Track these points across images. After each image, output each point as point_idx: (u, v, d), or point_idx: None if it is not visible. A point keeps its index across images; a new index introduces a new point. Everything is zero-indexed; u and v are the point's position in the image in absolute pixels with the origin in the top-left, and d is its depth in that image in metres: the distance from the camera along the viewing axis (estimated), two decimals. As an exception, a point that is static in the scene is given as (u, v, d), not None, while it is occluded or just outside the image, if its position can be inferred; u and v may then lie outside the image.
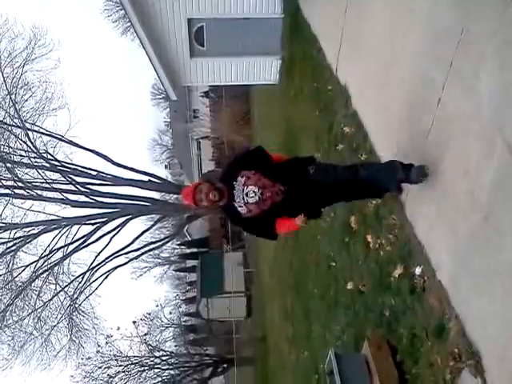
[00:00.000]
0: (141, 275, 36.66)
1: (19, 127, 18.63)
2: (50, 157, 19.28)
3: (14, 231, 19.07)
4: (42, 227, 19.21)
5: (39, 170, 19.07)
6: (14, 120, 18.68)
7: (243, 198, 4.37)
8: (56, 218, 19.28)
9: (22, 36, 18.97)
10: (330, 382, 5.27)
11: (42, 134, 19.50)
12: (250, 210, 4.41)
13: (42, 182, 19.10)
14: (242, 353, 26.98)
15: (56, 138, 19.60)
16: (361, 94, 7.33)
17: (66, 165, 19.61)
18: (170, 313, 34.52)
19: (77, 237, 19.28)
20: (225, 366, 30.18)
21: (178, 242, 38.07)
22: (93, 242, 19.57)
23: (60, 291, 19.58)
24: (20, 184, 18.38)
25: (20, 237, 19.10)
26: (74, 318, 20.56)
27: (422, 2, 5.25)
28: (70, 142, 19.57)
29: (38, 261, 19.25)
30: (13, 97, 18.36)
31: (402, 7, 5.77)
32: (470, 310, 3.87)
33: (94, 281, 20.08)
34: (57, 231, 19.11)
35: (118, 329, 24.90)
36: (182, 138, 36.28)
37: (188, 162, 37.88)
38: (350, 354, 5.96)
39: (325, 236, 8.70)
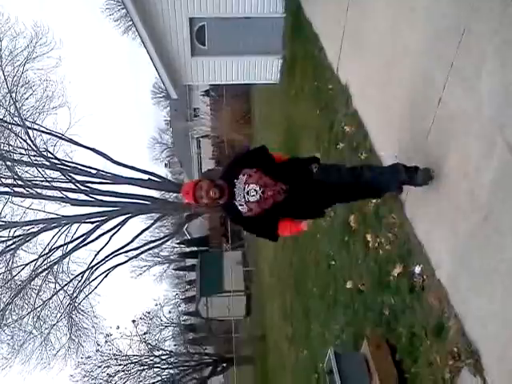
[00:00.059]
0: (140, 274, 36.71)
1: (19, 125, 18.65)
2: (49, 155, 19.31)
3: (14, 229, 19.08)
4: (41, 226, 19.22)
5: (39, 169, 19.09)
6: (15, 118, 18.71)
7: (244, 197, 4.28)
8: (56, 216, 19.30)
9: (23, 34, 19.02)
10: (330, 381, 5.27)
11: (42, 132, 19.53)
12: (250, 209, 4.31)
13: (42, 181, 19.12)
14: (242, 352, 26.96)
15: (56, 136, 19.63)
16: (362, 93, 7.33)
17: (66, 163, 19.64)
18: (170, 312, 34.52)
19: (76, 235, 19.32)
20: (224, 365, 30.16)
21: (178, 241, 38.06)
22: (92, 241, 19.60)
23: (59, 290, 19.59)
24: (20, 182, 18.39)
25: (19, 235, 19.11)
26: (73, 316, 20.58)
27: (423, 1, 5.25)
28: (70, 141, 19.60)
29: (37, 259, 19.27)
30: (13, 95, 18.39)
31: (404, 6, 5.77)
32: (469, 309, 3.87)
33: (93, 279, 20.13)
34: (56, 230, 19.13)
35: (118, 328, 24.89)
36: (182, 136, 36.28)
37: (188, 161, 37.89)
38: (349, 353, 5.96)
39: (324, 235, 8.71)
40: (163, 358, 27.80)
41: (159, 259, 40.12)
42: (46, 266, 19.23)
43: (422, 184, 4.39)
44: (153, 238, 24.89)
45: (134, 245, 21.07)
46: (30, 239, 19.37)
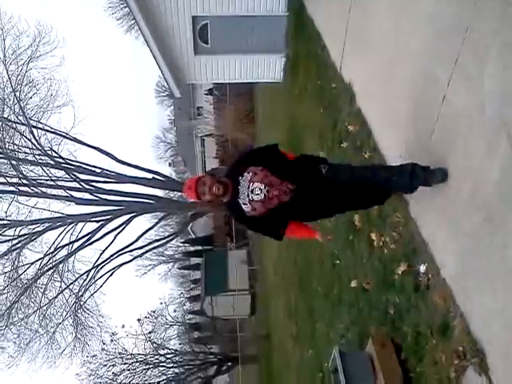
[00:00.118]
0: (145, 273, 36.79)
1: (24, 124, 18.68)
2: (54, 154, 19.32)
3: (19, 229, 19.11)
4: (46, 225, 19.24)
5: (44, 168, 19.11)
6: (19, 117, 18.72)
7: (248, 195, 4.13)
8: (61, 215, 19.31)
9: (26, 33, 18.98)
10: (335, 380, 5.27)
11: (47, 131, 19.54)
12: (254, 208, 4.16)
13: (47, 180, 19.14)
14: (247, 351, 26.99)
15: (60, 135, 19.64)
16: (365, 92, 7.33)
17: (71, 162, 19.64)
18: (175, 311, 34.52)
19: (81, 234, 19.31)
20: (229, 364, 30.18)
21: (182, 240, 38.06)
22: (97, 240, 19.60)
23: (65, 289, 19.61)
24: (25, 181, 18.42)
25: (25, 234, 19.14)
26: (79, 315, 20.58)
27: (426, 1, 5.24)
28: (75, 140, 19.61)
29: (42, 258, 19.29)
30: (17, 94, 18.40)
31: (406, 5, 5.77)
32: (474, 308, 3.87)
33: (98, 278, 20.12)
34: (61, 228, 19.14)
35: (123, 327, 24.91)
36: (186, 135, 36.32)
37: (192, 160, 37.92)
38: (354, 352, 5.96)
39: (329, 234, 8.70)
40: (168, 356, 27.84)
41: (164, 258, 40.21)
42: (51, 265, 19.24)
43: (437, 182, 4.25)
44: (157, 237, 24.85)
45: (139, 244, 21.05)
46: (35, 238, 19.39)
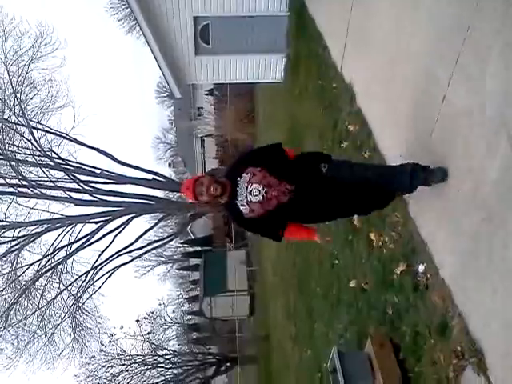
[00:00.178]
0: (144, 274, 36.74)
1: (24, 125, 18.71)
2: (54, 155, 19.36)
3: (18, 230, 19.13)
4: (45, 226, 19.26)
5: (43, 169, 19.15)
6: (19, 118, 18.76)
7: (246, 197, 4.08)
8: (60, 216, 19.34)
9: (27, 34, 19.04)
10: (333, 380, 5.26)
11: (47, 132, 19.58)
12: (252, 210, 4.11)
13: (46, 181, 19.17)
14: (245, 351, 26.96)
15: (60, 136, 19.68)
16: (366, 92, 7.33)
17: (70, 163, 19.67)
18: (173, 311, 34.51)
19: (80, 235, 19.34)
20: (228, 364, 30.14)
21: (182, 241, 38.06)
22: (96, 241, 19.62)
23: (63, 290, 19.61)
24: (24, 182, 18.44)
25: (24, 235, 19.15)
26: (77, 316, 20.57)
27: (427, 0, 5.24)
28: (75, 141, 19.64)
29: (41, 259, 19.30)
30: (18, 95, 18.43)
31: (408, 5, 5.77)
32: (473, 308, 3.86)
33: (97, 279, 20.13)
34: (60, 230, 19.16)
35: (122, 327, 24.84)
36: (186, 136, 36.34)
37: (192, 160, 37.94)
38: (352, 352, 5.96)
39: (328, 235, 8.69)
40: (167, 357, 27.79)
41: (163, 259, 40.16)
42: (50, 266, 19.25)
43: (437, 182, 4.23)
44: (156, 238, 24.89)
45: (138, 245, 21.09)
46: (34, 239, 19.40)
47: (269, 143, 4.43)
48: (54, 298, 19.59)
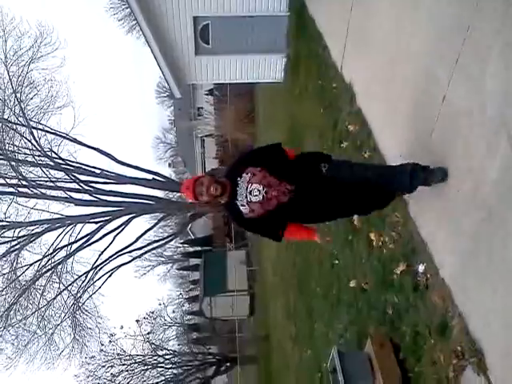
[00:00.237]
0: (144, 274, 36.74)
1: (24, 125, 18.71)
2: (54, 155, 19.37)
3: (18, 230, 19.14)
4: (45, 226, 19.27)
5: (43, 169, 19.15)
6: (19, 118, 18.76)
7: (246, 197, 4.07)
8: (60, 216, 19.34)
9: (27, 34, 19.05)
10: (333, 380, 5.26)
11: (47, 132, 19.59)
12: (252, 210, 4.10)
13: (46, 181, 19.17)
14: (245, 351, 26.96)
15: (60, 136, 19.68)
16: (366, 92, 7.33)
17: (70, 163, 19.68)
18: (173, 311, 34.51)
19: (80, 235, 19.34)
20: (228, 364, 30.15)
21: (182, 241, 38.07)
22: (96, 241, 19.63)
23: (63, 290, 19.62)
24: (24, 182, 18.44)
25: (24, 235, 19.16)
26: (77, 316, 20.58)
27: (427, 0, 5.24)
28: (75, 141, 19.65)
29: (41, 259, 19.31)
30: (18, 95, 18.44)
31: (408, 5, 5.77)
32: (473, 308, 3.86)
33: (97, 279, 20.14)
34: (60, 230, 19.17)
35: (122, 327, 24.84)
36: (186, 136, 36.34)
37: (192, 160, 37.94)
38: (352, 352, 5.96)
39: (328, 235, 8.69)
40: (167, 357, 27.79)
41: (163, 259, 40.16)
42: (50, 266, 19.26)
43: (437, 182, 4.23)
44: (156, 238, 24.89)
45: (138, 245, 21.09)
46: (34, 239, 19.41)
47: (269, 143, 4.42)
48: (54, 298, 19.61)
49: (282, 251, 14.96)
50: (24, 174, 18.73)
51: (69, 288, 19.76)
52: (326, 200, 4.21)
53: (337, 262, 8.01)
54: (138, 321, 26.36)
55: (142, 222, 25.29)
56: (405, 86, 5.55)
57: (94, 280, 20.03)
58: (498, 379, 3.47)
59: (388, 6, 6.50)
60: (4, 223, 19.09)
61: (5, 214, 19.26)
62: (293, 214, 4.22)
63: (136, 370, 25.71)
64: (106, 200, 19.66)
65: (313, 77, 11.16)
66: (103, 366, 24.18)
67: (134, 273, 35.49)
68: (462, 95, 4.20)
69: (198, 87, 33.48)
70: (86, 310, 21.20)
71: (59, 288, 19.57)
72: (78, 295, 19.76)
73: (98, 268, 19.94)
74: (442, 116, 4.50)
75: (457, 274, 4.14)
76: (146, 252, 22.82)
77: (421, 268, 4.71)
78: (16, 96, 18.31)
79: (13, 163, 18.32)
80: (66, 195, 19.08)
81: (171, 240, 26.90)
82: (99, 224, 19.35)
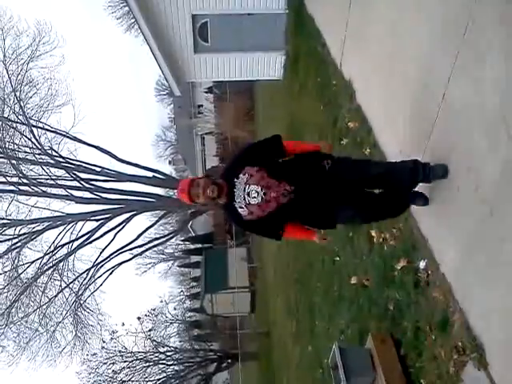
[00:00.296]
0: (145, 271, 36.69)
1: (24, 124, 18.69)
2: (54, 153, 19.32)
3: (19, 228, 19.13)
4: (46, 224, 19.26)
5: (44, 167, 19.12)
6: (19, 117, 18.72)
7: (244, 198, 3.94)
8: (61, 214, 19.34)
9: (26, 33, 19.00)
10: (334, 376, 5.29)
11: (47, 130, 19.55)
12: (251, 212, 3.98)
13: (47, 179, 19.15)
14: (247, 348, 26.97)
15: (60, 134, 19.65)
16: (365, 89, 7.33)
17: (71, 161, 19.65)
18: (175, 308, 34.41)
19: (81, 233, 19.34)
20: (229, 361, 30.16)
21: (182, 238, 38.06)
22: (97, 239, 19.62)
23: (65, 287, 19.63)
24: (25, 181, 18.43)
25: (25, 233, 19.15)
26: (78, 314, 20.59)
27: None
28: (75, 139, 19.62)
29: (42, 257, 19.30)
30: (17, 94, 18.42)
31: (407, 1, 5.78)
32: (473, 304, 3.88)
33: (98, 277, 20.13)
34: (61, 227, 19.16)
35: (123, 325, 24.86)
36: (186, 133, 36.29)
37: (192, 158, 37.88)
38: (354, 348, 5.98)
39: (329, 231, 8.70)
40: (168, 354, 27.81)
41: (164, 256, 40.15)
42: (51, 264, 19.26)
43: (437, 179, 4.22)
44: (157, 236, 24.89)
45: (139, 242, 21.08)
46: (35, 237, 19.41)
47: (266, 137, 4.21)
48: (56, 296, 19.62)
49: (283, 248, 14.98)
50: (24, 172, 18.70)
51: (70, 285, 19.77)
52: (327, 200, 4.12)
53: (338, 258, 8.03)
54: (139, 318, 26.39)
55: (143, 220, 25.32)
56: (405, 82, 5.56)
57: (96, 277, 20.03)
58: (498, 374, 3.49)
59: (387, 3, 6.50)
60: (5, 221, 19.08)
61: (6, 211, 19.27)
62: (293, 215, 4.16)
63: (138, 367, 25.74)
64: (106, 198, 19.65)
65: (312, 74, 11.16)
66: (105, 363, 24.22)
67: (135, 270, 35.51)
68: (461, 93, 4.21)
69: (197, 85, 33.43)
70: (88, 308, 21.22)
71: (61, 285, 19.58)
72: (80, 293, 19.77)
73: (100, 265, 19.94)
74: (442, 112, 4.50)
75: (457, 270, 4.16)
76: (147, 249, 22.80)
77: (422, 264, 4.74)
78: (15, 94, 18.28)
79: (13, 161, 18.31)
80: (66, 193, 19.06)
81: (172, 237, 26.88)
82: (100, 222, 19.35)
